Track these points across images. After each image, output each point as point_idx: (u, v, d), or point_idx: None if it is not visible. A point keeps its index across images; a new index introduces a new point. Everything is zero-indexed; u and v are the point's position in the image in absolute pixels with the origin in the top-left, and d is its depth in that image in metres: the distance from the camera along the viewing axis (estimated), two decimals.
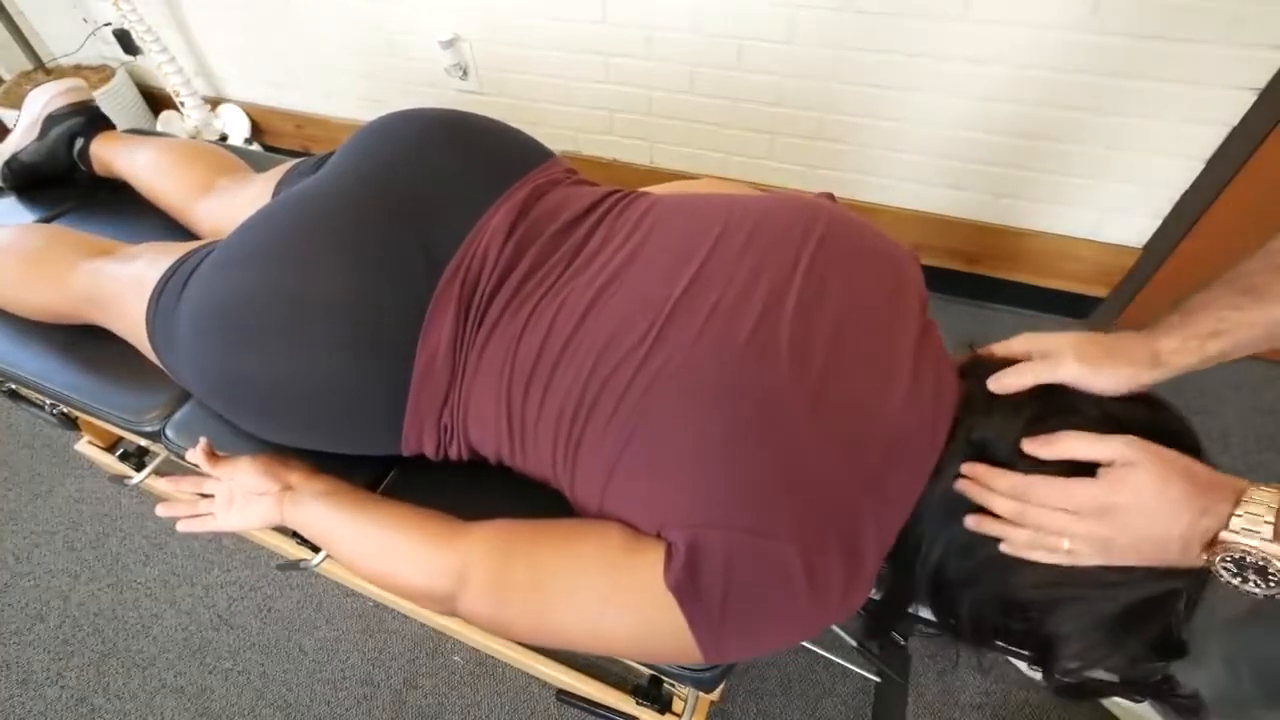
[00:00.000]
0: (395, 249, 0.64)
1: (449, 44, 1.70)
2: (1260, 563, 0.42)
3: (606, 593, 0.52)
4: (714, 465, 0.50)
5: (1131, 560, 0.47)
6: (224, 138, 2.23)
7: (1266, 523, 0.42)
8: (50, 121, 1.09)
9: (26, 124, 1.11)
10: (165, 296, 0.73)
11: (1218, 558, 0.44)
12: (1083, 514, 0.47)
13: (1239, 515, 0.43)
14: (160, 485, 0.77)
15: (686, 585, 0.49)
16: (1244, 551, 0.42)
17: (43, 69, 2.17)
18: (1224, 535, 0.43)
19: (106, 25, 2.12)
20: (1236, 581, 0.44)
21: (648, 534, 0.53)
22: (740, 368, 0.52)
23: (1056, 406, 0.52)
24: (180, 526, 0.72)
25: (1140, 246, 1.47)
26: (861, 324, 0.57)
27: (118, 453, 1.33)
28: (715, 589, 0.49)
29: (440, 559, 0.57)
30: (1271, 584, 0.42)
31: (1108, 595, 0.49)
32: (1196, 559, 0.45)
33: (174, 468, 0.85)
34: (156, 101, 2.32)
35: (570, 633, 0.54)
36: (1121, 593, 0.49)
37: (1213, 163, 1.29)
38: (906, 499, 0.53)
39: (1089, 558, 0.48)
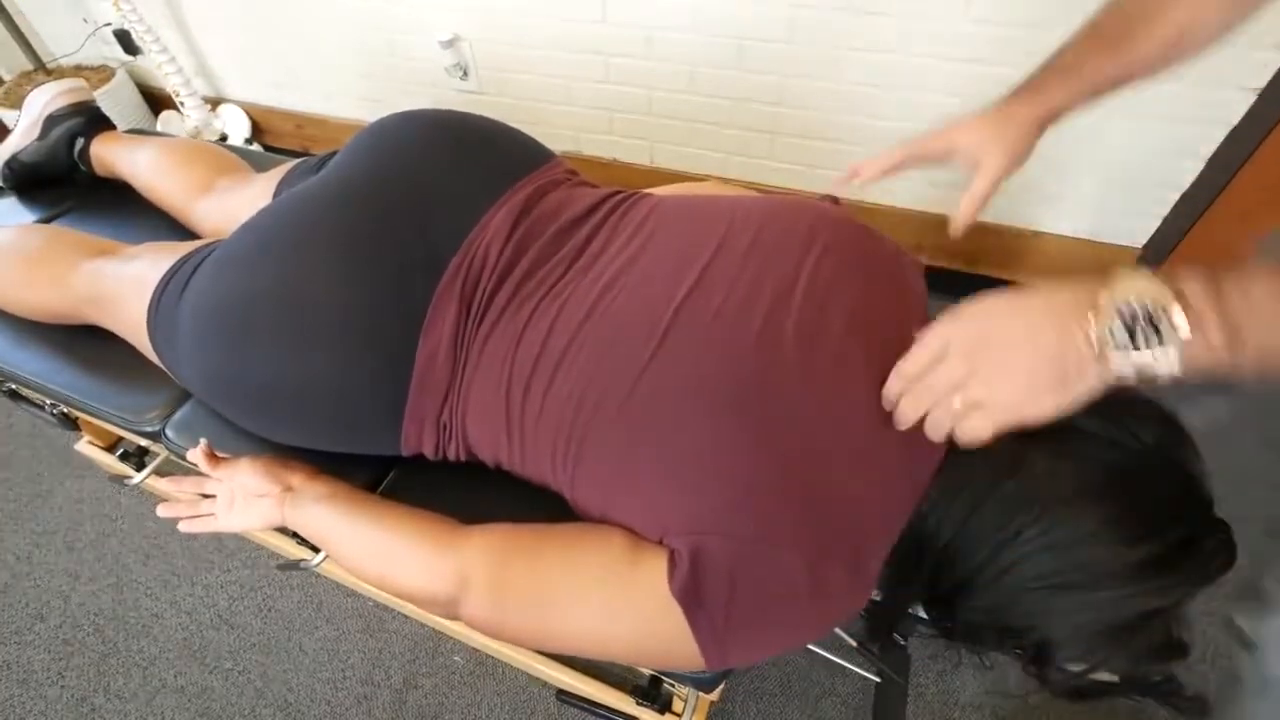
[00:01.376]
0: (396, 249, 0.64)
1: (449, 44, 1.70)
2: (1149, 310, 0.39)
3: (608, 599, 0.52)
4: (718, 471, 0.50)
5: (1037, 391, 0.45)
6: (224, 138, 2.23)
7: (1146, 282, 0.40)
8: (51, 121, 1.09)
9: (27, 124, 1.11)
10: (166, 296, 0.73)
11: (1107, 325, 0.41)
12: (950, 361, 0.47)
13: (1116, 284, 0.41)
14: (161, 485, 0.77)
15: (691, 593, 0.49)
16: (1129, 301, 0.40)
17: (43, 69, 2.17)
18: (1103, 299, 0.41)
19: (106, 25, 2.12)
20: (1129, 350, 0.40)
21: (649, 540, 0.53)
22: (746, 373, 0.52)
23: (1059, 421, 0.52)
24: (182, 527, 0.72)
25: (1140, 246, 1.47)
26: (867, 330, 0.57)
27: (118, 453, 1.33)
28: (719, 597, 0.48)
29: (441, 563, 0.57)
30: (1162, 338, 0.39)
31: (1106, 599, 0.49)
32: (1091, 351, 0.42)
33: (174, 468, 0.85)
34: (156, 101, 2.32)
35: (571, 638, 0.54)
36: (1120, 599, 0.49)
37: (1213, 163, 1.29)
38: (909, 502, 0.53)
39: (992, 408, 0.47)
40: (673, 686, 0.96)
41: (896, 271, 0.63)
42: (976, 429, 0.48)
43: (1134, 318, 0.40)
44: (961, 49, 1.30)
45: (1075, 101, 0.61)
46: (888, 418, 0.52)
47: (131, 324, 0.78)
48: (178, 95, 2.09)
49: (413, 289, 0.63)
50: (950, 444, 0.54)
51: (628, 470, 0.54)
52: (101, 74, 2.19)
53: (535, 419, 0.59)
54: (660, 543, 0.53)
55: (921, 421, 0.53)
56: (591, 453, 0.56)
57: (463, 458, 0.68)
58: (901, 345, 0.57)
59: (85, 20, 2.17)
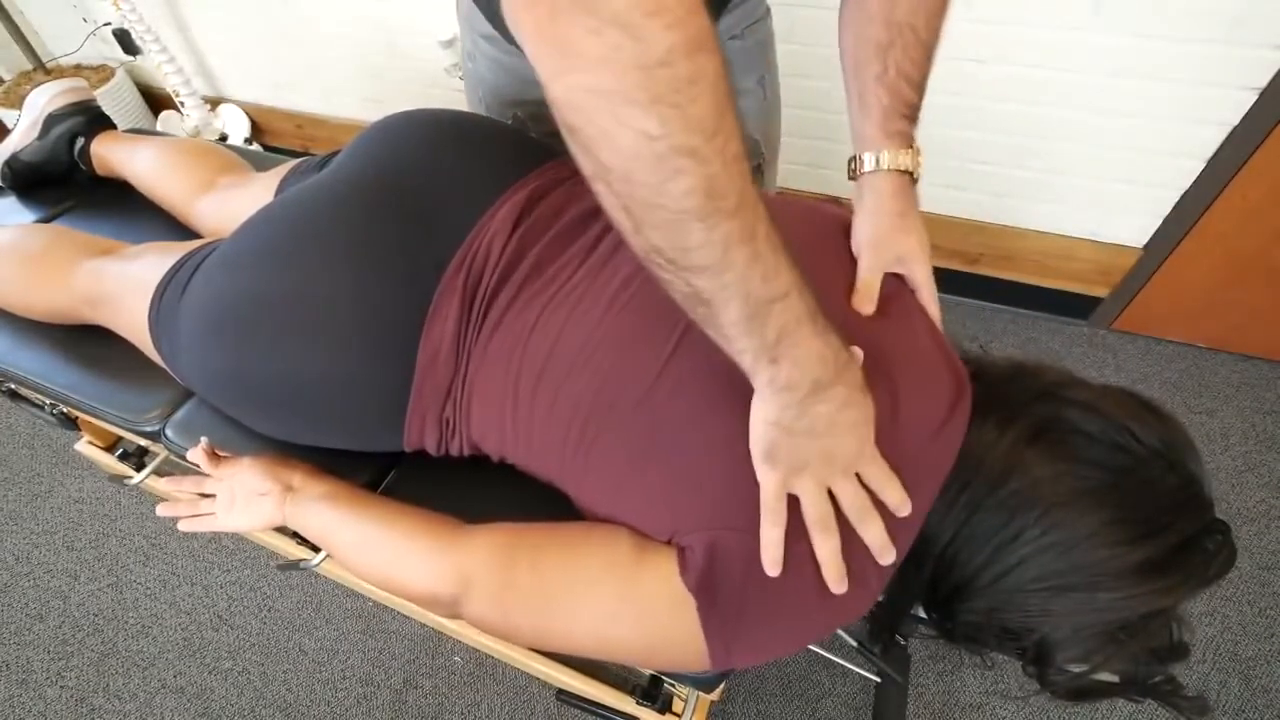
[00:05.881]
0: (398, 247, 0.65)
1: (449, 44, 1.70)
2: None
3: (615, 599, 0.52)
4: (737, 467, 0.50)
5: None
6: (224, 138, 2.23)
7: None
8: (51, 121, 1.09)
9: (27, 123, 1.10)
10: (168, 295, 0.73)
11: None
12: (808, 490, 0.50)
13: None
14: (161, 485, 0.77)
15: (707, 586, 0.49)
16: None
17: (42, 69, 2.17)
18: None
19: (106, 25, 2.11)
20: None
21: (657, 540, 0.53)
22: None
23: (1059, 423, 0.52)
24: (181, 526, 0.72)
25: (1140, 246, 1.47)
26: (880, 331, 0.57)
27: (118, 453, 1.33)
28: (734, 593, 0.49)
29: (443, 562, 0.57)
30: None
31: (1107, 601, 0.49)
32: None
33: (174, 468, 0.85)
34: (156, 101, 2.32)
35: (576, 639, 0.54)
36: (1121, 600, 0.49)
37: (1213, 163, 1.29)
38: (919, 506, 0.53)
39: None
40: (673, 686, 0.96)
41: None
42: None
43: None
44: (961, 49, 1.30)
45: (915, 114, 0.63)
46: (901, 419, 0.52)
47: (133, 323, 0.78)
48: (177, 95, 2.09)
49: (415, 287, 0.63)
50: (960, 448, 0.54)
51: (642, 467, 0.54)
52: (101, 74, 2.18)
53: (545, 418, 0.59)
54: (669, 542, 0.53)
55: (934, 423, 0.53)
56: (603, 450, 0.56)
57: (465, 453, 0.68)
58: (912, 347, 0.57)
59: (85, 20, 2.17)
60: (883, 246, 0.62)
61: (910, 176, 0.64)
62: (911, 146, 0.64)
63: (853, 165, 0.65)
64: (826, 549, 0.49)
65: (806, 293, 0.42)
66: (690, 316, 0.43)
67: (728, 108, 0.35)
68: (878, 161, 0.63)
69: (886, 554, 0.50)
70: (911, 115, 0.64)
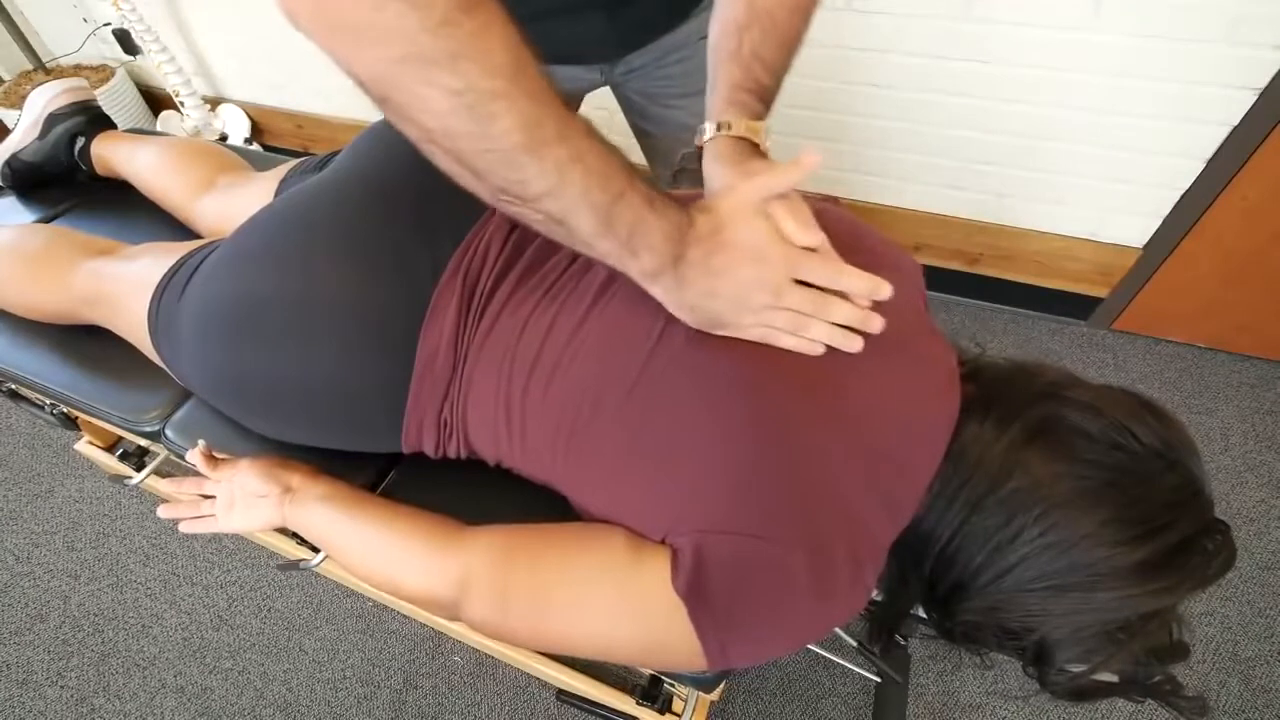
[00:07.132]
0: (397, 248, 0.65)
1: None
2: None
3: (612, 601, 0.52)
4: (723, 469, 0.50)
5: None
6: (224, 138, 2.23)
7: None
8: (52, 120, 1.09)
9: (28, 123, 1.11)
10: (167, 295, 0.73)
11: None
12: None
13: None
14: (161, 486, 0.77)
15: (695, 591, 0.49)
16: None
17: (42, 69, 2.17)
18: None
19: (106, 25, 2.11)
20: None
21: (652, 540, 0.53)
22: (748, 370, 0.52)
23: (1058, 422, 0.52)
24: (183, 528, 0.72)
25: (1140, 246, 1.47)
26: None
27: (118, 453, 1.33)
28: (722, 596, 0.48)
29: (442, 564, 0.57)
30: None
31: (1106, 600, 0.49)
32: None
33: (174, 468, 0.85)
34: (156, 101, 2.32)
35: (574, 640, 0.53)
36: (1120, 600, 0.49)
37: (1213, 163, 1.29)
38: (910, 503, 0.53)
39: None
40: (673, 686, 0.96)
41: (900, 275, 0.63)
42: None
43: None
44: (961, 49, 1.30)
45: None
46: (892, 416, 0.52)
47: (132, 324, 0.78)
48: (177, 95, 2.09)
49: (414, 288, 0.63)
50: (951, 445, 0.54)
51: (629, 468, 0.54)
52: (101, 74, 2.18)
53: (536, 417, 0.59)
54: (663, 542, 0.53)
55: (926, 421, 0.53)
56: (591, 451, 0.56)
57: (463, 455, 0.68)
58: (904, 336, 0.57)
59: (85, 20, 2.17)
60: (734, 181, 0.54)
61: (753, 145, 0.58)
62: (760, 120, 0.59)
63: (698, 139, 0.60)
64: (820, 333, 0.51)
65: (640, 184, 0.46)
66: (553, 239, 0.47)
67: (522, 48, 0.38)
68: (718, 128, 0.58)
69: (882, 289, 0.51)
70: (761, 95, 0.60)
